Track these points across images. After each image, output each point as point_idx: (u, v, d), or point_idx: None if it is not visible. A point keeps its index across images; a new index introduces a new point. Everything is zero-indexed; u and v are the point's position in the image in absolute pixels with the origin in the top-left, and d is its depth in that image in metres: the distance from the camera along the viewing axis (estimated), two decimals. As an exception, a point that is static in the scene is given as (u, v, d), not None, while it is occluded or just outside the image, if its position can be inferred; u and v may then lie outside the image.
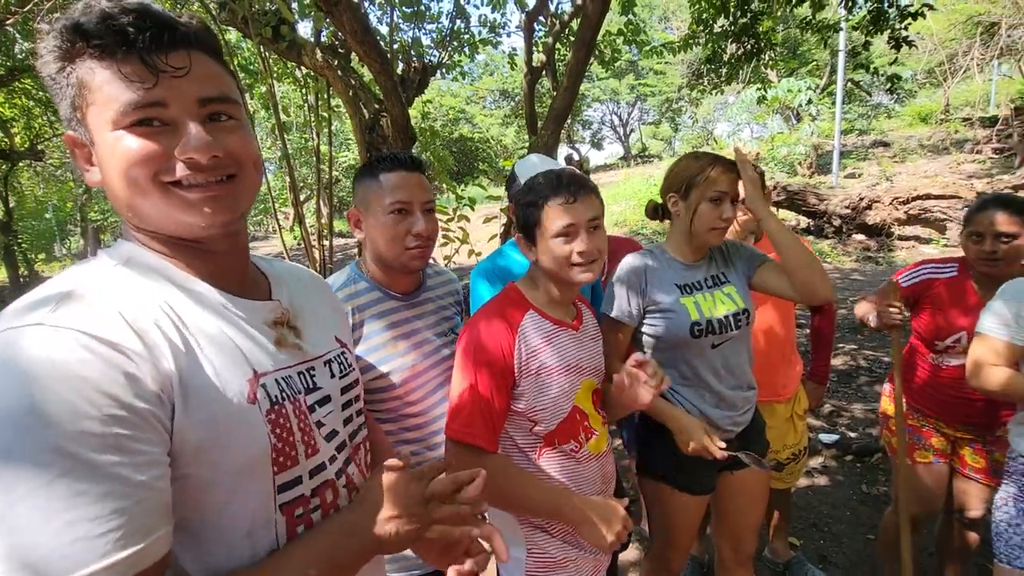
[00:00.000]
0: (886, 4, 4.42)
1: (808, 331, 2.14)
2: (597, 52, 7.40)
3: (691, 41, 5.98)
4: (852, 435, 3.25)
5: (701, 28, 5.72)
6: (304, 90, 4.43)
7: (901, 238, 8.05)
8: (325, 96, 4.33)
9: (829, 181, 10.41)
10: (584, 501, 1.14)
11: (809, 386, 2.08)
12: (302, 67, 3.91)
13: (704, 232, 1.39)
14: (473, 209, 3.92)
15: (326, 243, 4.59)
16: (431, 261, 1.33)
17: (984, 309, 1.47)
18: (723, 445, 1.33)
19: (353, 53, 3.57)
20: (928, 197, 7.66)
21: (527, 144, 4.78)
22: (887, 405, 1.99)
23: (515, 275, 1.32)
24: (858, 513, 2.60)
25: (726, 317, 1.39)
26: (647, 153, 29.06)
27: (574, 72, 3.83)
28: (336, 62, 3.72)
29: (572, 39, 4.53)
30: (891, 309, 1.77)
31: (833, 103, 11.61)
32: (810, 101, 11.24)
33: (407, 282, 1.28)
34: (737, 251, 1.51)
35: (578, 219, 1.10)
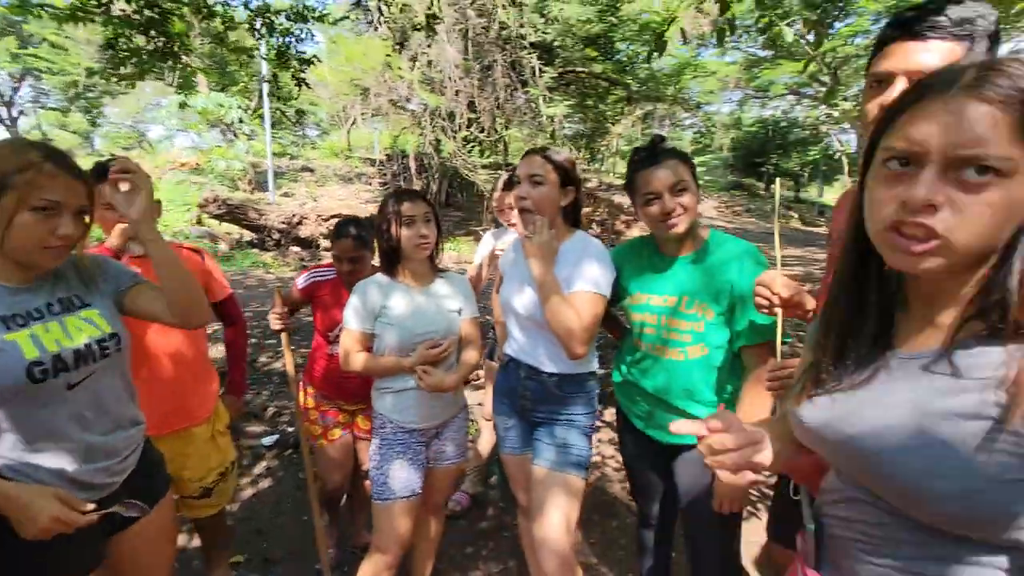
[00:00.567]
0: (288, 47, 5.05)
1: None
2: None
3: (79, 13, 4.93)
4: (290, 430, 3.55)
5: (94, 3, 4.82)
6: None
7: (325, 249, 9.63)
8: None
9: (267, 198, 11.15)
10: None
11: (227, 400, 2.06)
12: None
13: (30, 251, 1.08)
14: None
15: None
16: None
17: (346, 306, 1.86)
18: (91, 507, 1.10)
19: None
20: (340, 216, 9.57)
21: None
22: (302, 398, 2.26)
23: None
24: (296, 499, 2.84)
25: (87, 346, 1.15)
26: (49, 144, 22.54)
27: None
28: None
29: None
30: (273, 315, 2.04)
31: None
32: (241, 120, 11.64)
33: None
34: (101, 268, 1.28)
35: None
